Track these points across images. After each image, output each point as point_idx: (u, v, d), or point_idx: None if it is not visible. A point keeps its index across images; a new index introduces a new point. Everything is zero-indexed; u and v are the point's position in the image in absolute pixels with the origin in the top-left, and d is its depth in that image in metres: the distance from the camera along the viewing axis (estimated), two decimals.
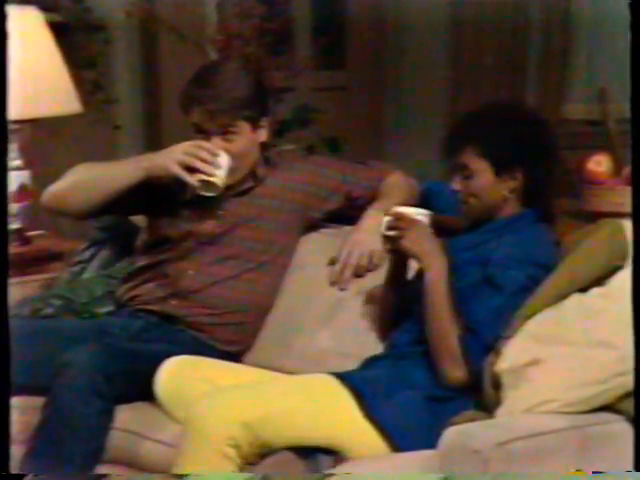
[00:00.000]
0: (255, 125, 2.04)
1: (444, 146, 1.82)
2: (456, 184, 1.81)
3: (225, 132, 2.00)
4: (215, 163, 1.94)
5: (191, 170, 1.94)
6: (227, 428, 1.58)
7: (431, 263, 1.73)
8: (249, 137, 2.04)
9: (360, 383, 1.68)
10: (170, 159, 1.93)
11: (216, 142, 1.99)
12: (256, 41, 2.73)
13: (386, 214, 1.80)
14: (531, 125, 1.79)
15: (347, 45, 3.96)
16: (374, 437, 1.64)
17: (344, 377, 1.70)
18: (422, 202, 2.06)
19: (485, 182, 1.77)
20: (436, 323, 1.71)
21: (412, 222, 1.76)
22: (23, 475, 1.60)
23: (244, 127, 2.02)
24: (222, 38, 2.75)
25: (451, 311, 1.70)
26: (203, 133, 2.00)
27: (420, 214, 1.80)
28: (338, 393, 1.67)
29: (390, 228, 1.78)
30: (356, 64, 3.95)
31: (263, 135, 2.07)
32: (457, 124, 1.84)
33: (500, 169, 1.76)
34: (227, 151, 2.00)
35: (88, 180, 2.03)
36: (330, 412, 1.65)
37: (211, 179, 1.94)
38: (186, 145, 1.95)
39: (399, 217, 1.77)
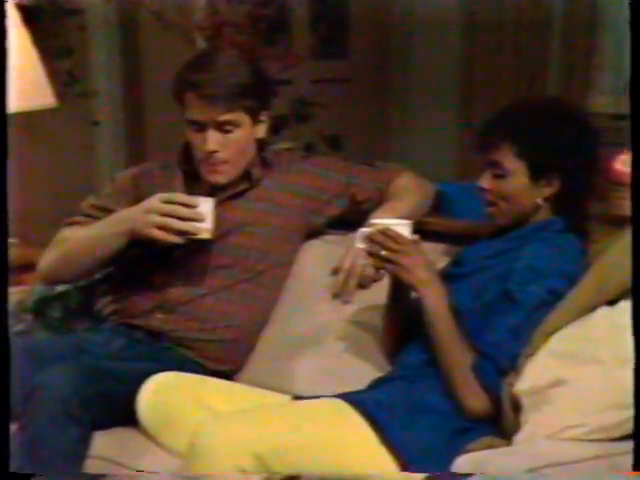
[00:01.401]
0: (255, 119, 2.05)
1: (478, 139, 1.81)
2: (485, 182, 1.80)
3: (222, 123, 2.00)
4: (197, 216, 1.92)
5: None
6: (236, 459, 1.58)
7: (426, 293, 1.73)
8: (248, 131, 2.04)
9: (374, 408, 1.69)
10: (147, 224, 1.93)
11: (213, 135, 2.00)
12: (249, 29, 2.75)
13: (368, 227, 1.78)
14: (577, 128, 1.78)
15: (349, 33, 3.95)
16: (389, 464, 1.65)
17: (357, 402, 1.70)
18: (434, 205, 2.08)
19: (518, 185, 1.77)
20: (444, 355, 1.72)
21: (401, 242, 1.74)
22: (23, 475, 1.63)
23: (243, 119, 2.02)
24: (211, 25, 2.77)
25: (458, 340, 1.71)
26: (197, 125, 2.00)
27: (402, 225, 1.75)
28: (351, 419, 1.67)
29: (374, 243, 1.74)
30: (359, 53, 3.95)
31: (262, 131, 2.08)
32: (496, 117, 1.82)
33: (537, 173, 1.76)
34: (224, 145, 2.01)
35: (74, 253, 2.04)
36: (344, 440, 1.66)
37: (197, 237, 1.93)
38: (160, 204, 1.93)
39: (385, 233, 1.74)
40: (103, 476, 1.75)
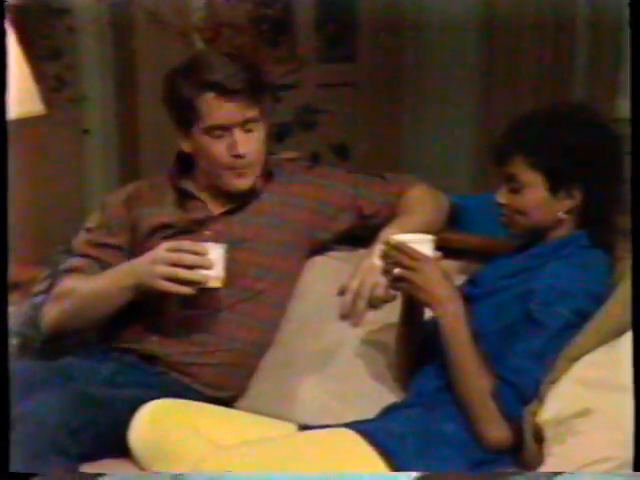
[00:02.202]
0: (264, 115, 2.07)
1: (493, 152, 1.81)
2: (501, 197, 1.81)
3: (247, 121, 2.02)
4: (206, 263, 1.91)
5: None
6: None
7: (445, 311, 1.73)
8: (263, 131, 2.07)
9: (385, 438, 1.68)
10: (154, 276, 1.93)
11: (241, 136, 2.02)
12: (250, 30, 2.76)
13: (383, 242, 1.79)
14: (597, 135, 1.77)
15: (358, 34, 3.97)
16: None
17: (366, 431, 1.69)
18: (449, 220, 2.08)
19: (535, 198, 1.77)
20: (462, 380, 1.71)
21: (417, 258, 1.74)
22: (23, 475, 1.64)
23: (260, 115, 2.05)
24: (210, 26, 2.78)
25: (478, 364, 1.70)
26: (220, 130, 2.02)
27: (423, 242, 1.76)
28: (361, 450, 1.67)
29: (387, 259, 1.76)
30: (368, 56, 3.95)
31: (267, 129, 2.11)
32: (509, 127, 1.82)
33: (555, 185, 1.76)
34: (250, 146, 2.03)
35: (79, 309, 2.05)
36: (355, 473, 1.65)
37: (208, 285, 1.92)
38: (166, 254, 1.93)
39: (399, 249, 1.75)
40: (103, 475, 1.74)
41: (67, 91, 3.39)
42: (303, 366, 2.04)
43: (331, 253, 2.18)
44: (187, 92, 2.03)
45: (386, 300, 1.99)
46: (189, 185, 2.14)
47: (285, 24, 3.12)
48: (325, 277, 2.13)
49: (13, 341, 2.14)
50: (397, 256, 1.74)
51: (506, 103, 3.48)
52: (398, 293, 1.95)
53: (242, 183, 2.07)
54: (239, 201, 2.11)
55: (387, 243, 1.77)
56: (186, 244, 1.93)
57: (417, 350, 1.88)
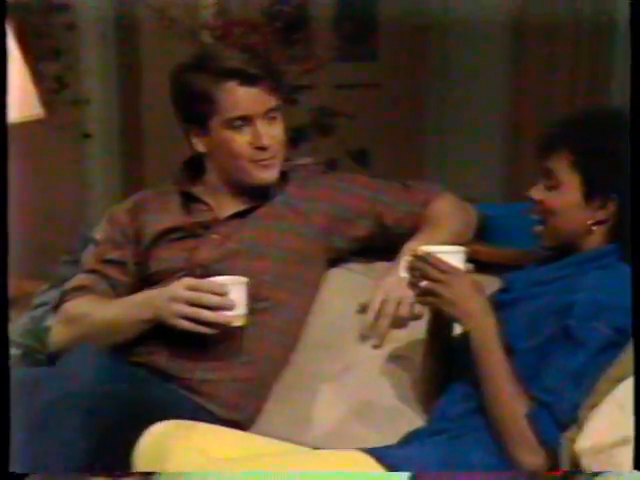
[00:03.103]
0: (282, 105, 2.10)
1: (537, 144, 1.82)
2: (536, 192, 1.81)
3: (270, 110, 2.05)
4: (228, 304, 1.92)
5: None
6: None
7: (477, 327, 1.73)
8: (283, 122, 2.10)
9: (402, 463, 1.68)
10: (174, 315, 1.94)
11: (264, 127, 2.05)
12: (263, 27, 2.77)
13: (410, 254, 1.80)
14: None
15: (379, 31, 3.97)
16: None
17: (385, 457, 1.69)
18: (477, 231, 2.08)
19: (570, 200, 1.78)
20: (494, 401, 1.71)
21: (446, 271, 1.74)
22: (23, 475, 1.68)
23: (281, 103, 2.08)
24: (221, 24, 2.79)
25: (512, 384, 1.70)
26: (241, 121, 2.04)
27: (454, 253, 1.77)
28: (375, 474, 1.67)
29: (414, 272, 1.77)
30: (390, 55, 3.96)
31: None
32: (558, 122, 1.84)
33: (591, 191, 1.77)
34: (273, 138, 2.06)
35: (91, 337, 2.05)
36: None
37: (230, 326, 1.94)
38: (185, 293, 1.94)
39: (428, 261, 1.75)
40: (102, 475, 1.78)
41: (67, 93, 3.40)
42: (319, 388, 2.04)
43: (350, 265, 2.18)
44: (203, 84, 2.04)
45: (411, 319, 2.01)
46: (194, 189, 2.15)
47: (301, 21, 3.12)
48: (343, 292, 2.14)
49: (13, 351, 2.16)
50: (425, 268, 1.75)
51: (537, 108, 3.47)
52: (424, 311, 1.96)
53: (268, 175, 2.10)
54: (250, 204, 2.11)
55: (414, 254, 1.78)
56: (206, 284, 1.94)
57: (444, 369, 1.88)
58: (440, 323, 1.85)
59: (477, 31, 3.65)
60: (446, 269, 1.74)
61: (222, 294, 1.92)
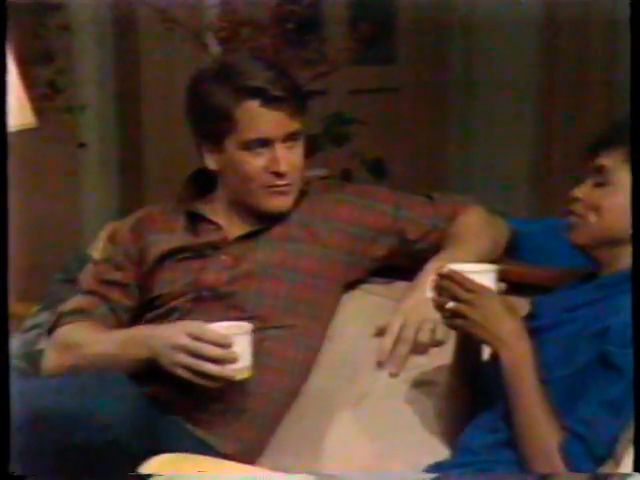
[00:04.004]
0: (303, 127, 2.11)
1: (590, 142, 1.83)
2: (581, 190, 1.81)
3: (290, 134, 2.06)
4: (232, 356, 1.91)
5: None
6: None
7: (509, 352, 1.72)
8: (302, 145, 2.11)
9: None
10: (173, 363, 1.93)
11: (283, 152, 2.05)
12: (273, 28, 2.78)
13: (436, 272, 1.79)
14: None
15: (397, 33, 3.98)
16: None
17: None
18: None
19: (617, 200, 1.77)
20: (525, 432, 1.70)
21: (475, 291, 1.74)
22: (23, 476, 1.69)
23: (303, 129, 2.09)
24: (227, 25, 2.80)
25: (545, 413, 1.69)
26: (259, 143, 2.04)
27: (484, 272, 1.77)
28: None
29: (441, 292, 1.77)
30: (409, 58, 3.97)
31: None
32: (616, 121, 1.85)
33: None
34: (292, 163, 2.07)
35: (82, 367, 2.04)
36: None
37: (234, 379, 1.92)
38: (187, 342, 1.92)
39: (455, 280, 1.75)
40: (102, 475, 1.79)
41: (60, 99, 3.41)
42: (332, 418, 2.03)
43: (366, 286, 2.18)
44: (221, 99, 2.05)
45: (432, 345, 2.00)
46: (201, 207, 2.16)
47: (313, 21, 3.14)
48: (359, 315, 2.14)
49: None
50: (452, 288, 1.75)
51: (570, 114, 3.47)
52: (447, 337, 1.96)
53: (282, 203, 2.10)
54: (262, 224, 2.12)
55: (440, 273, 1.78)
56: (209, 333, 1.92)
57: (471, 397, 1.88)
58: (468, 347, 1.85)
59: (504, 30, 3.64)
60: (475, 289, 1.74)
61: (226, 345, 1.90)
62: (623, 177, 1.77)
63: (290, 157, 2.07)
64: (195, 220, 2.16)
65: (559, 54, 3.57)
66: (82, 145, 3.54)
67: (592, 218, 1.80)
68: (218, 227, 2.14)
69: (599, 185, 1.80)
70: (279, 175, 2.07)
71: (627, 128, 1.78)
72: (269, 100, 2.03)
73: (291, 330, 2.07)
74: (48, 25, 3.44)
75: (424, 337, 2.00)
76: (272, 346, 2.05)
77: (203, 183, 2.19)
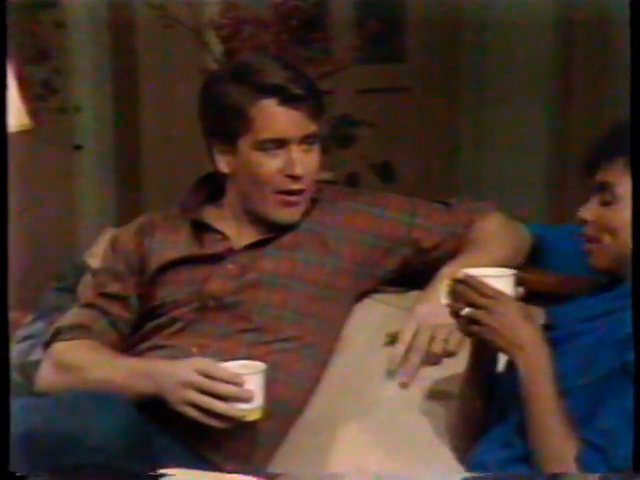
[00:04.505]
0: (321, 131, 2.11)
1: (587, 156, 1.82)
2: (587, 212, 1.81)
3: (308, 136, 2.06)
4: (244, 395, 1.90)
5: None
6: None
7: (527, 360, 1.72)
8: (319, 150, 2.11)
9: None
10: (181, 400, 1.92)
11: (299, 154, 2.05)
12: (277, 26, 2.78)
13: (451, 277, 1.79)
14: None
15: (407, 30, 3.98)
16: None
17: None
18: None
19: (629, 214, 1.74)
20: (542, 444, 1.70)
21: (492, 296, 1.74)
22: (23, 475, 1.71)
23: (321, 132, 2.10)
24: (228, 22, 2.81)
25: (563, 425, 1.69)
26: (274, 144, 2.04)
27: (501, 276, 1.77)
28: None
29: (456, 298, 1.77)
30: (420, 55, 3.96)
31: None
32: (612, 129, 1.84)
33: None
34: (307, 168, 2.07)
35: (86, 389, 2.03)
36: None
37: (245, 419, 1.92)
38: (197, 379, 1.91)
39: (470, 285, 1.75)
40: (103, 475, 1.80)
41: (55, 100, 3.41)
42: (339, 431, 2.03)
43: (376, 295, 2.18)
44: (237, 97, 2.05)
45: (445, 356, 2.01)
46: (206, 215, 2.17)
47: (318, 18, 3.13)
48: (369, 325, 2.14)
49: None
50: (468, 293, 1.75)
51: (588, 115, 3.46)
52: (459, 348, 1.98)
53: (291, 214, 2.10)
54: (271, 231, 2.12)
55: (456, 278, 1.77)
56: (221, 370, 1.91)
57: (484, 410, 1.87)
58: (483, 356, 1.84)
59: (519, 29, 3.64)
60: (492, 294, 1.73)
61: (237, 384, 1.89)
62: (628, 189, 1.76)
63: (306, 161, 2.07)
64: (200, 229, 2.16)
65: (576, 54, 3.56)
66: (78, 147, 3.54)
67: (607, 240, 1.80)
68: (224, 237, 2.14)
69: (606, 204, 1.79)
70: (294, 178, 2.07)
71: (623, 136, 1.79)
72: (287, 99, 2.03)
73: (299, 342, 2.07)
74: (42, 22, 3.43)
75: (436, 347, 2.01)
76: (279, 359, 2.04)
77: (209, 190, 2.19)
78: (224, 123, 2.08)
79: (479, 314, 1.74)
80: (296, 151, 2.05)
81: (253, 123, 2.04)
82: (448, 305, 1.79)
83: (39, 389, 2.12)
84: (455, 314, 1.78)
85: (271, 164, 2.06)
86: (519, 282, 1.78)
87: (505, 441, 1.77)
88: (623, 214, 1.77)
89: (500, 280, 1.75)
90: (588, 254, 1.83)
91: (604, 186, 1.79)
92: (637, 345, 1.56)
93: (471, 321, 1.75)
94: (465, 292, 1.75)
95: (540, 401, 1.71)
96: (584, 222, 1.82)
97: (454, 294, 1.77)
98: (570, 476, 1.65)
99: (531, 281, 2.04)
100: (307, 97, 2.04)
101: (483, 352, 1.84)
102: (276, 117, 2.04)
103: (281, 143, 2.05)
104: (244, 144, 2.07)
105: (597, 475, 1.62)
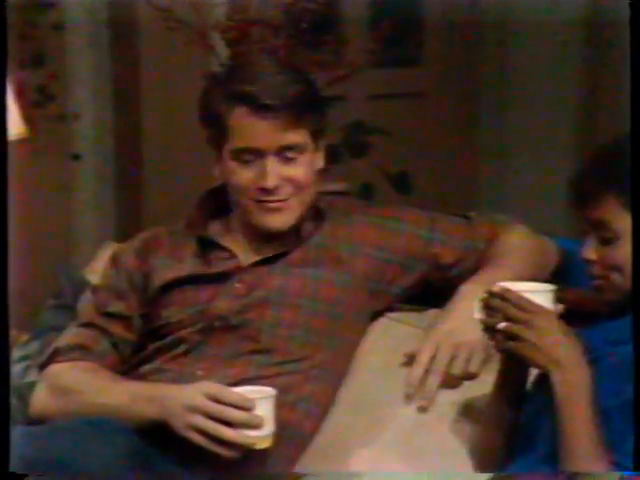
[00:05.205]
0: (317, 143, 2.11)
1: (574, 193, 1.82)
2: (589, 252, 1.81)
3: (286, 148, 2.06)
4: (254, 421, 1.89)
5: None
6: None
7: (566, 378, 1.72)
8: (311, 160, 2.10)
9: None
10: (185, 424, 1.91)
11: (274, 165, 2.05)
12: (287, 28, 2.79)
13: (487, 291, 1.80)
14: None
15: (423, 31, 3.99)
16: None
17: None
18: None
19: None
20: (573, 462, 1.70)
21: (531, 310, 1.74)
22: (23, 475, 1.75)
23: (308, 143, 2.08)
24: (235, 24, 2.81)
25: (598, 448, 1.69)
26: (250, 155, 2.05)
27: (540, 292, 1.78)
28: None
29: (492, 311, 1.78)
30: (437, 59, 3.96)
31: (321, 162, 2.14)
32: (594, 159, 1.84)
33: None
34: (286, 179, 2.07)
35: (80, 415, 2.03)
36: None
37: (254, 447, 1.91)
38: (204, 403, 1.90)
39: (508, 299, 1.76)
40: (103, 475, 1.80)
41: (52, 107, 3.42)
42: (352, 457, 2.02)
43: (392, 314, 2.18)
44: (216, 105, 2.08)
45: (465, 378, 2.01)
46: (212, 232, 2.18)
47: (330, 20, 3.14)
48: (384, 345, 2.13)
49: None
50: (505, 307, 1.75)
51: (617, 121, 3.45)
52: (482, 368, 1.98)
53: (275, 222, 2.10)
54: (280, 247, 2.12)
55: (492, 291, 1.78)
56: (230, 394, 1.91)
57: (513, 431, 1.87)
58: (515, 372, 1.84)
59: (543, 29, 3.63)
60: (531, 309, 1.74)
61: (248, 409, 1.89)
62: (627, 224, 1.76)
63: (284, 172, 2.06)
64: (206, 246, 2.16)
65: (604, 53, 3.55)
66: (76, 157, 3.54)
67: (617, 278, 1.80)
68: (231, 254, 2.15)
69: (606, 241, 1.79)
70: (266, 191, 2.07)
71: (610, 164, 1.78)
72: (257, 108, 2.03)
73: (310, 364, 2.07)
74: (39, 24, 3.44)
75: (456, 368, 2.00)
76: (288, 381, 2.04)
77: (216, 205, 2.20)
78: (210, 131, 2.11)
79: (517, 329, 1.73)
80: (272, 162, 2.05)
81: (230, 131, 2.06)
82: (481, 320, 1.79)
83: (34, 413, 2.12)
84: (489, 329, 1.78)
85: (245, 174, 2.08)
86: (558, 299, 1.78)
87: (535, 463, 1.77)
88: (626, 250, 1.77)
89: (539, 295, 1.76)
90: (599, 291, 1.83)
91: (600, 224, 1.79)
92: (637, 345, 1.58)
93: (508, 336, 1.75)
94: (502, 306, 1.75)
95: (575, 422, 1.70)
96: (591, 262, 1.82)
97: (489, 308, 1.77)
98: (591, 475, 1.66)
99: (572, 300, 2.04)
100: (282, 107, 2.03)
101: (514, 369, 1.84)
102: (248, 127, 2.05)
103: (256, 153, 2.06)
104: (225, 152, 2.09)
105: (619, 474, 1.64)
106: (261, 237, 2.14)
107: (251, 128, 2.04)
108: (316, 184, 2.13)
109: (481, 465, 1.93)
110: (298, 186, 2.09)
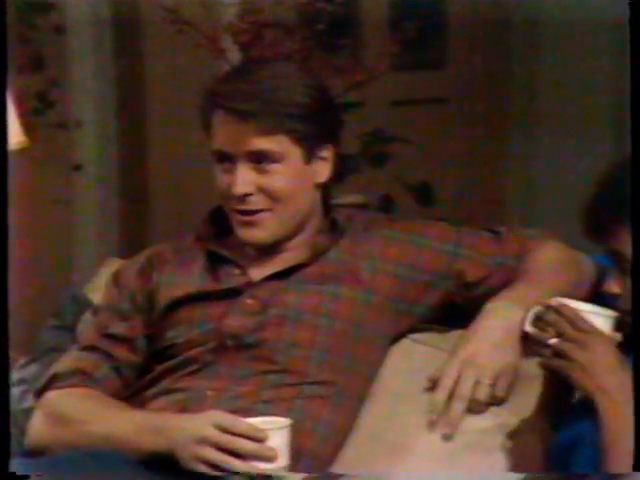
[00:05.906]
0: (310, 152, 2.10)
1: (589, 220, 1.83)
2: (616, 286, 1.81)
3: (257, 154, 2.07)
4: (267, 453, 1.89)
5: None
6: None
7: (612, 406, 1.73)
8: (298, 170, 2.10)
9: None
10: (194, 456, 1.92)
11: (243, 171, 2.07)
12: (302, 31, 2.80)
13: (542, 304, 1.82)
14: None
15: (447, 33, 4.00)
16: None
17: None
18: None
19: None
20: None
21: (587, 331, 1.75)
22: (23, 475, 1.78)
23: (290, 151, 2.09)
24: (248, 27, 2.82)
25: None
26: (226, 160, 2.08)
27: (601, 315, 1.78)
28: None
29: (545, 326, 1.79)
30: (462, 62, 3.96)
31: (322, 173, 2.14)
32: (607, 183, 1.86)
33: None
34: (261, 187, 2.08)
35: (81, 445, 2.04)
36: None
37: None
38: (215, 434, 1.90)
39: (565, 315, 1.77)
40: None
41: (52, 114, 3.43)
42: None
43: (414, 335, 2.17)
44: (204, 105, 2.13)
45: (493, 403, 2.00)
46: (222, 246, 2.18)
47: (348, 22, 3.15)
48: (406, 368, 2.13)
49: None
50: (560, 323, 1.76)
51: None
52: (509, 393, 1.98)
53: (249, 235, 2.12)
54: (290, 261, 2.13)
55: (548, 305, 1.79)
56: (241, 424, 1.91)
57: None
58: (560, 394, 1.85)
59: (576, 30, 3.63)
60: (587, 329, 1.75)
61: (260, 440, 1.89)
62: None
63: (258, 180, 2.08)
64: (215, 261, 2.17)
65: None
66: (77, 168, 3.55)
67: None
68: (242, 271, 2.15)
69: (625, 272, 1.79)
70: (238, 198, 2.09)
71: (620, 194, 1.78)
72: (229, 112, 2.07)
73: (327, 387, 2.07)
74: (39, 27, 3.46)
75: (482, 393, 2.00)
76: (305, 405, 2.05)
77: (226, 219, 2.21)
78: (206, 134, 2.14)
79: (568, 347, 1.75)
80: (242, 168, 2.08)
81: (212, 133, 2.11)
82: (532, 333, 1.81)
83: (30, 443, 2.12)
84: (539, 344, 1.80)
85: (222, 179, 2.12)
86: (618, 327, 1.78)
87: None
88: None
89: (598, 318, 1.78)
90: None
91: (617, 255, 1.80)
92: (637, 345, 1.62)
93: (557, 354, 1.76)
94: (557, 321, 1.77)
95: (619, 455, 1.71)
96: (614, 295, 1.82)
97: (544, 322, 1.79)
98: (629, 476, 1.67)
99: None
100: (253, 111, 2.05)
101: (561, 388, 1.84)
102: (222, 130, 2.09)
103: (227, 158, 2.09)
104: (213, 157, 2.13)
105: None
106: (270, 251, 2.15)
107: (224, 131, 2.09)
108: (310, 197, 2.14)
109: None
110: (274, 197, 2.09)
